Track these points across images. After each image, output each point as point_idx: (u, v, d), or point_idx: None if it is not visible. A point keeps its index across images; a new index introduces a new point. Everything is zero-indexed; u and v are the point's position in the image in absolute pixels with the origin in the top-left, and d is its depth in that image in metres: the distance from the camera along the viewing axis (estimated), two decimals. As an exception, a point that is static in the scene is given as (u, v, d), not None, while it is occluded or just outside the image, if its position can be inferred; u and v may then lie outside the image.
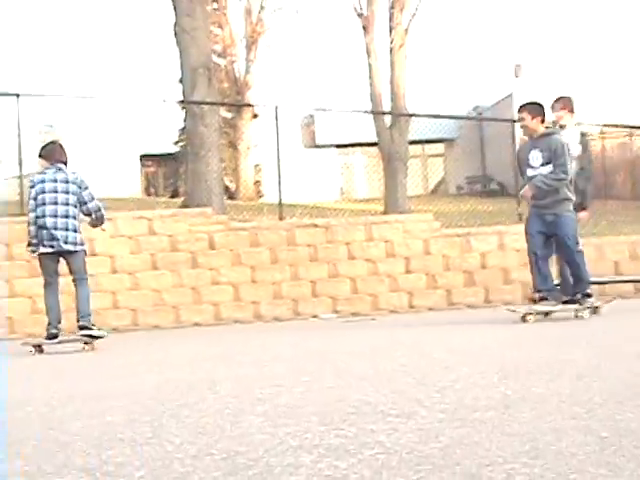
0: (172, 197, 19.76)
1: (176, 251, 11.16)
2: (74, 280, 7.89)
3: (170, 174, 23.22)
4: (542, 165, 7.61)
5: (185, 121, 16.50)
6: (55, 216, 7.61)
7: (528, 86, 22.88)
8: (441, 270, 11.95)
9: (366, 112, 20.83)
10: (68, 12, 36.08)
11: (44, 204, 7.61)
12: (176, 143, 22.74)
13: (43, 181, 7.72)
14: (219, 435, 2.64)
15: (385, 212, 16.66)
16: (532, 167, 7.68)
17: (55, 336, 7.79)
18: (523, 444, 2.21)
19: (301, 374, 4.48)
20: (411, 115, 19.93)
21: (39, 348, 7.86)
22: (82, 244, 7.93)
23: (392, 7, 19.98)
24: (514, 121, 12.63)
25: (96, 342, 7.85)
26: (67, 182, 7.74)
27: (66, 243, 7.66)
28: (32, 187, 7.81)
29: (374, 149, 21.30)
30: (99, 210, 7.98)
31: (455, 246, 12.07)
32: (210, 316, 11.15)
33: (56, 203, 7.65)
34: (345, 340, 7.56)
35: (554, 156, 7.56)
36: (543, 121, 7.99)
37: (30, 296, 10.24)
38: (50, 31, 43.97)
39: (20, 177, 11.85)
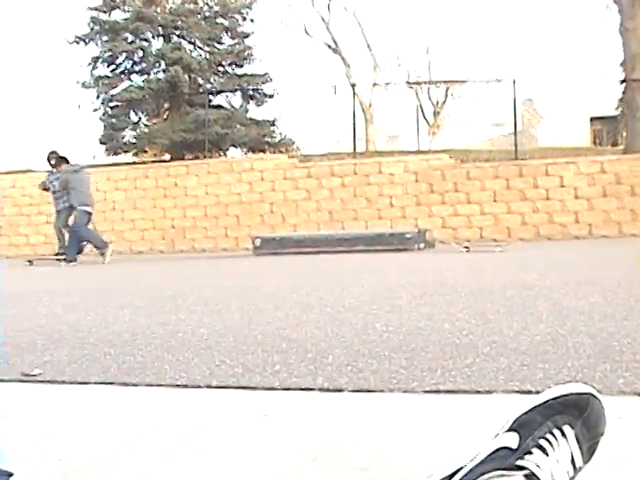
0: (612, 146, 25.62)
1: (620, 184, 16.48)
2: None
3: (611, 130, 29.54)
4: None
5: (624, 93, 21.93)
6: None
7: None
8: None
9: None
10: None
11: None
12: (616, 108, 28.82)
13: None
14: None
15: None
16: None
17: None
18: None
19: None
20: None
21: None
22: None
23: None
24: None
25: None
26: None
27: None
28: None
29: None
30: None
31: None
32: (643, 229, 16.30)
33: None
34: None
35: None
36: (67, 163, 13.40)
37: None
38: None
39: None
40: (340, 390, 2.12)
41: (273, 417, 1.84)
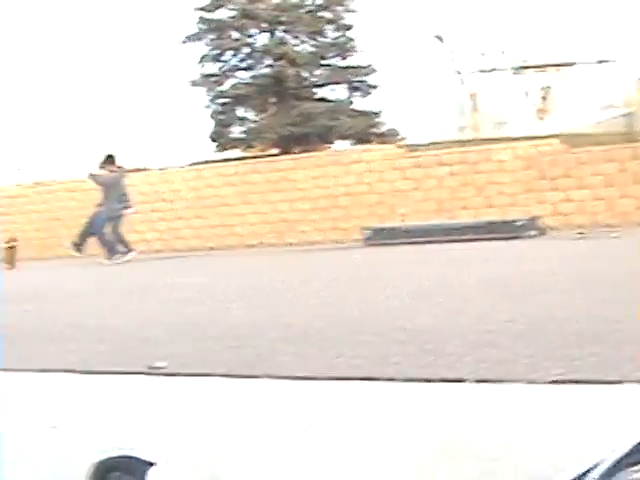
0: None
1: None
2: None
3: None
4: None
5: None
6: None
7: None
8: None
9: None
10: None
11: None
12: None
13: None
14: None
15: None
16: None
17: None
18: None
19: None
20: None
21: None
22: None
23: None
24: None
25: None
26: None
27: None
28: None
29: None
30: None
31: None
32: None
33: None
34: None
35: None
36: (113, 164, 13.75)
37: None
38: None
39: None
40: (462, 380, 2.10)
41: (397, 408, 1.84)
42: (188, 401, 2.13)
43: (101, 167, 14.16)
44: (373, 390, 2.08)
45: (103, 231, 13.48)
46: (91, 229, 13.60)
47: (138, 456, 1.14)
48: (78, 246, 13.53)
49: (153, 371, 2.55)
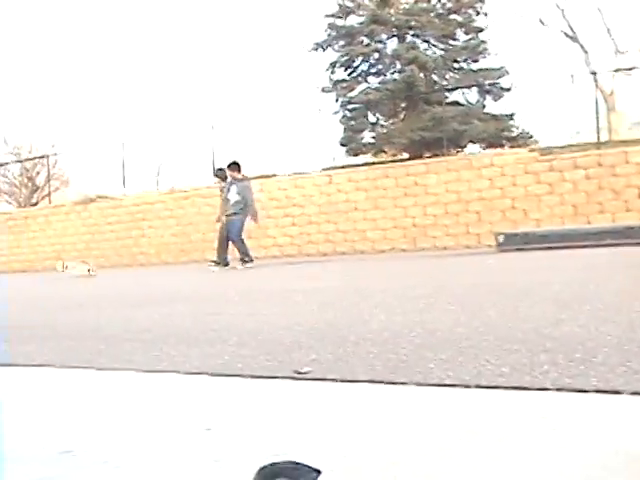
0: None
1: None
2: None
3: None
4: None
5: None
6: None
7: None
8: None
9: None
10: None
11: None
12: None
13: None
14: None
15: None
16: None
17: None
18: None
19: None
20: None
21: None
22: None
23: None
24: None
25: None
26: None
27: None
28: None
29: None
30: None
31: None
32: None
33: None
34: None
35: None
36: (239, 172, 14.15)
37: None
38: None
39: None
40: (618, 392, 2.03)
41: (552, 419, 1.80)
42: (336, 407, 2.15)
43: (218, 172, 14.52)
44: (524, 399, 2.04)
45: (239, 236, 13.77)
46: (226, 237, 13.88)
47: (304, 463, 1.15)
48: (220, 261, 13.86)
49: (299, 376, 2.58)
